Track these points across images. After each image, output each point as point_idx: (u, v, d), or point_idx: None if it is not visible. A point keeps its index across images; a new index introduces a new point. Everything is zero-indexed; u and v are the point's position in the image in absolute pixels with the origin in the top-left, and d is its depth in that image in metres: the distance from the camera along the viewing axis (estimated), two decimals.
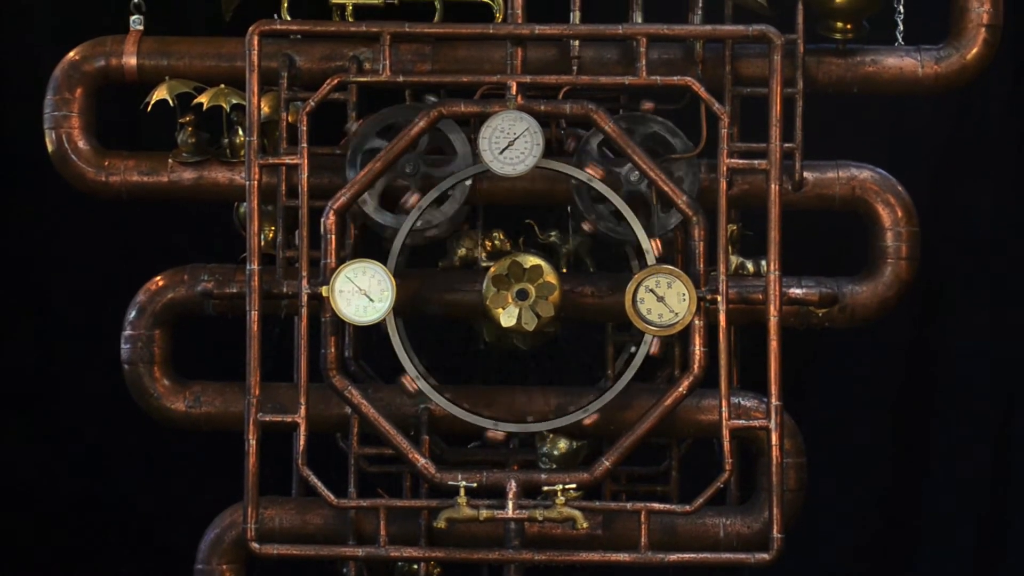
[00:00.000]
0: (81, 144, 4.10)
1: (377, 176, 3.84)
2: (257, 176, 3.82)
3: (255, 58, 3.81)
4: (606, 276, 4.07)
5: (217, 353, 4.25)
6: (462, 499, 3.77)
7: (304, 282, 3.80)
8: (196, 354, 4.23)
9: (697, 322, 3.79)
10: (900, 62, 4.09)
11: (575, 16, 4.03)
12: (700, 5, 4.03)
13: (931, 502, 4.91)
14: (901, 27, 4.14)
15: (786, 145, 3.94)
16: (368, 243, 4.07)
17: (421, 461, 3.84)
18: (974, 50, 4.07)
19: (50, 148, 4.11)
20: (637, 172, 3.92)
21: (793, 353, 3.96)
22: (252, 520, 3.84)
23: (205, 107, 4.03)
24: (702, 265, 3.80)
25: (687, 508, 3.85)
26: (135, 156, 4.13)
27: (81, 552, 4.93)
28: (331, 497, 3.86)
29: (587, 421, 3.91)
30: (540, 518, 3.79)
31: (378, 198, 3.95)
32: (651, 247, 3.84)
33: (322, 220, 3.81)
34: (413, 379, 3.87)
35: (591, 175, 3.86)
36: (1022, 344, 4.85)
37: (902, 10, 4.14)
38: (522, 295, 3.87)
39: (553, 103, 3.85)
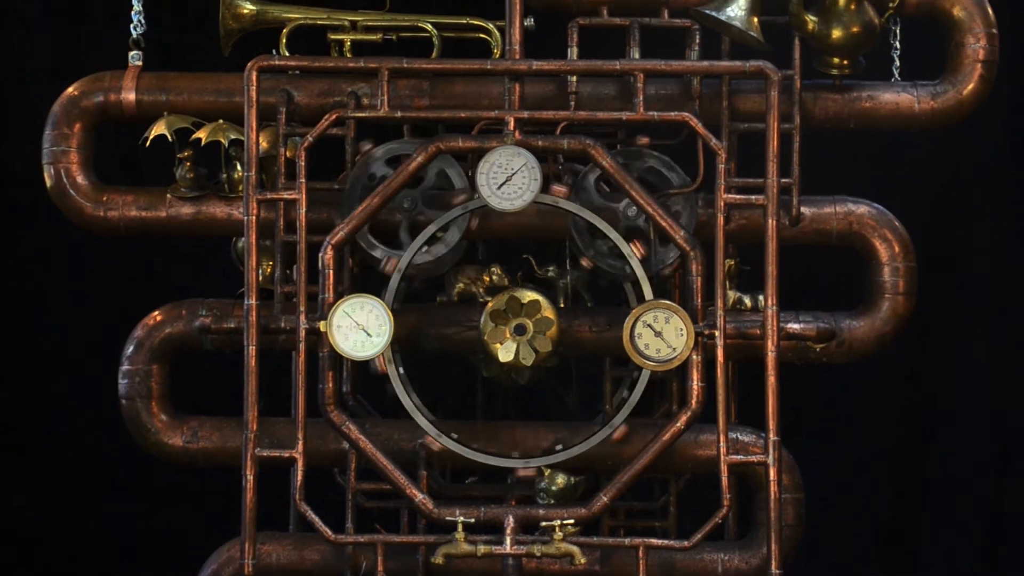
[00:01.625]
0: (80, 179, 4.11)
1: (375, 211, 3.84)
2: (255, 211, 3.83)
3: (253, 93, 3.82)
4: (604, 311, 4.08)
5: (215, 388, 4.25)
6: (460, 535, 3.76)
7: (302, 317, 3.80)
8: (194, 389, 4.23)
9: (695, 357, 3.80)
10: (897, 98, 4.11)
11: (572, 52, 4.04)
12: (697, 41, 4.04)
13: (930, 537, 4.90)
14: (897, 63, 4.16)
15: (783, 180, 3.94)
16: (366, 278, 4.07)
17: (419, 496, 3.83)
18: (970, 86, 4.09)
19: (49, 183, 4.11)
20: (635, 207, 3.93)
21: (791, 388, 3.96)
22: (249, 556, 3.83)
23: (203, 142, 4.04)
24: (700, 300, 3.81)
25: (685, 544, 3.84)
26: (133, 191, 4.13)
27: None
28: (329, 533, 3.85)
29: (588, 454, 3.90)
30: (538, 554, 3.78)
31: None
32: (647, 283, 3.84)
33: (320, 255, 3.81)
34: (435, 438, 3.87)
35: (579, 207, 3.85)
36: (1021, 377, 4.85)
37: (898, 46, 4.15)
38: (520, 330, 3.88)
39: (551, 138, 3.86)
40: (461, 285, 4.08)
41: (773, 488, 3.82)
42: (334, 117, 3.83)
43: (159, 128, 4.05)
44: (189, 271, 4.71)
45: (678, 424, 3.81)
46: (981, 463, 4.88)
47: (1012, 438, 4.87)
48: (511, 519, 3.80)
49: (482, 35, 4.10)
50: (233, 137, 4.03)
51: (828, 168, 4.29)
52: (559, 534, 3.78)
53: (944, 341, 4.90)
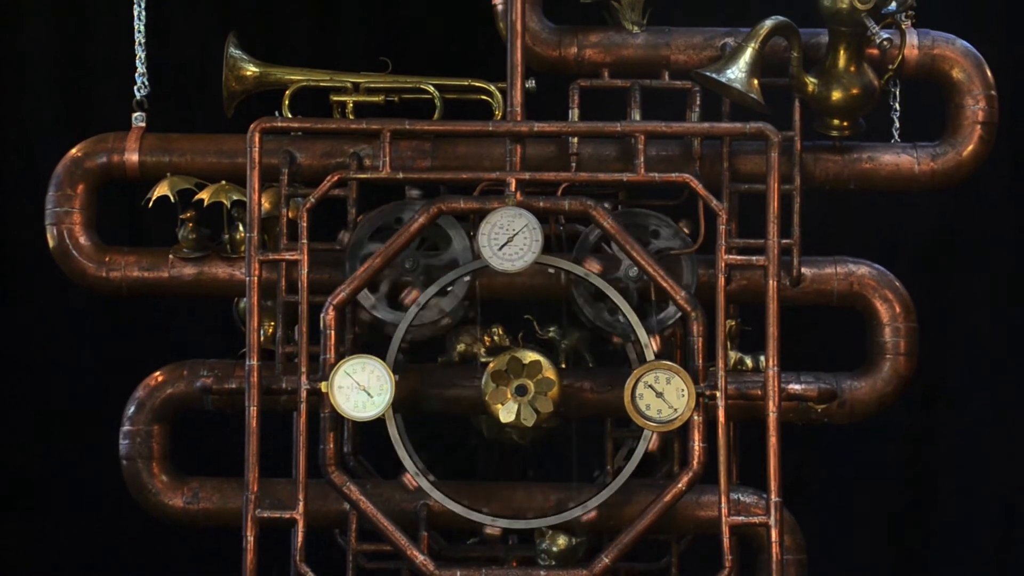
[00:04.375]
0: (82, 240, 4.12)
1: (376, 272, 3.85)
2: (257, 272, 3.83)
3: (256, 155, 3.83)
4: (605, 371, 4.08)
5: (216, 448, 4.24)
6: None
7: (303, 377, 3.80)
8: (195, 449, 4.22)
9: (696, 418, 3.79)
10: (897, 159, 4.12)
11: (574, 113, 4.06)
12: (698, 103, 4.06)
13: None
14: (897, 124, 4.17)
15: (784, 241, 3.95)
16: (368, 338, 4.07)
17: (420, 558, 3.82)
18: (970, 147, 4.10)
19: (51, 244, 4.12)
20: (636, 268, 3.94)
21: (793, 448, 3.95)
22: None
23: (206, 203, 4.05)
24: (701, 361, 3.80)
25: None
26: (136, 252, 4.14)
27: None
28: None
29: (586, 518, 3.90)
30: None
31: (385, 298, 3.97)
32: (650, 343, 3.84)
33: (321, 316, 3.81)
34: (413, 476, 3.86)
35: (588, 271, 3.87)
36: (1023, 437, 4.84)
37: (898, 107, 4.17)
38: (521, 391, 3.87)
39: (552, 199, 3.87)
40: (462, 345, 4.08)
41: (775, 549, 3.80)
42: (336, 178, 3.84)
43: (162, 189, 4.06)
44: (191, 331, 4.71)
45: (680, 485, 3.80)
46: (986, 523, 4.87)
47: (1018, 497, 4.85)
48: None
49: (484, 97, 4.12)
50: (235, 198, 4.04)
51: (829, 229, 4.30)
52: None
53: (947, 400, 4.89)
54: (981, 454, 4.87)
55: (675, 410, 3.79)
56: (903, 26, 4.05)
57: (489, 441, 4.12)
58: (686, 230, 4.00)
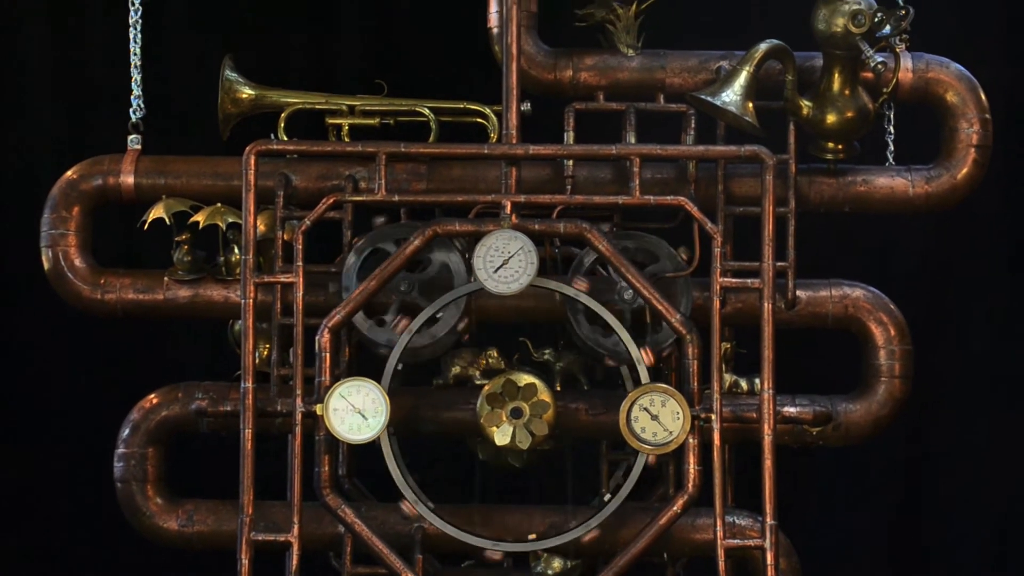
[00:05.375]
0: (77, 262, 4.12)
1: (372, 294, 3.85)
2: (252, 294, 3.83)
3: (252, 177, 3.84)
4: (600, 394, 4.07)
5: (210, 471, 4.23)
6: None
7: (298, 400, 3.80)
8: (189, 472, 4.21)
9: (691, 440, 3.79)
10: (891, 182, 4.13)
11: (569, 136, 4.06)
12: (693, 125, 4.07)
13: None
14: (892, 147, 4.18)
15: (779, 264, 3.96)
16: (363, 360, 4.07)
17: None
18: (964, 170, 4.11)
19: (46, 266, 4.13)
20: (631, 290, 3.94)
21: (788, 471, 3.95)
22: None
23: (201, 225, 4.06)
24: (696, 383, 3.81)
25: None
26: (131, 274, 4.14)
27: None
28: None
29: (587, 537, 3.89)
30: None
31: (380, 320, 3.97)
32: (643, 358, 3.84)
33: (317, 338, 3.81)
34: (412, 504, 3.85)
35: (577, 290, 3.86)
36: (1020, 459, 4.83)
37: (892, 131, 4.18)
38: (516, 413, 3.87)
39: (547, 222, 3.87)
40: (457, 368, 4.08)
41: (771, 572, 3.80)
42: (332, 201, 3.85)
43: (157, 211, 4.06)
44: (186, 354, 4.71)
45: (675, 508, 3.80)
46: (981, 544, 4.86)
47: (1012, 522, 4.85)
48: None
49: (479, 119, 4.13)
50: (231, 220, 4.05)
51: (824, 251, 4.30)
52: None
53: (942, 422, 4.89)
54: (976, 477, 4.86)
55: (670, 433, 3.79)
56: (897, 49, 4.06)
57: (484, 463, 4.12)
58: (683, 256, 4.00)
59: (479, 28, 4.13)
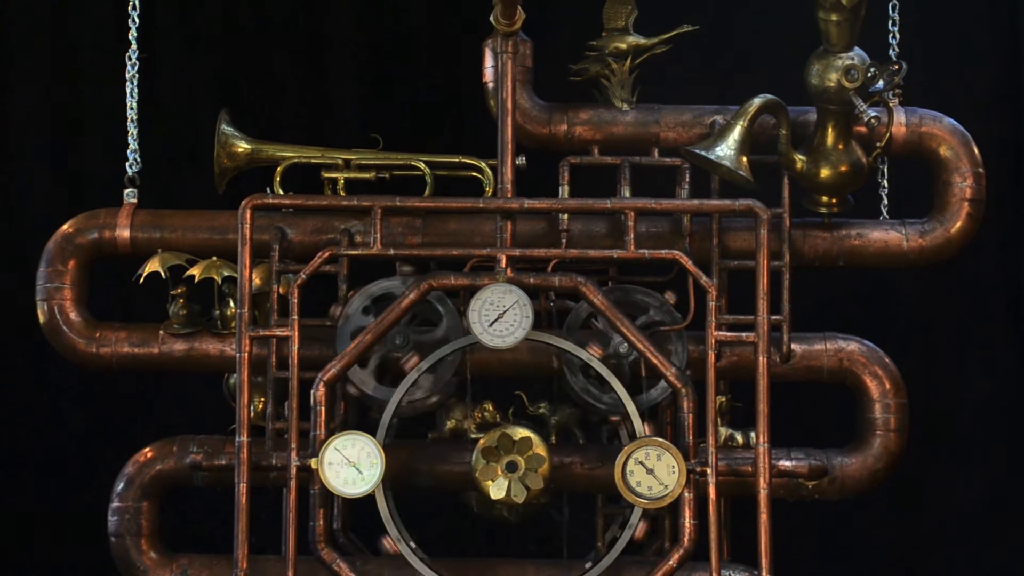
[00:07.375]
0: (73, 316, 4.12)
1: (367, 348, 3.85)
2: (247, 348, 3.83)
3: (247, 231, 3.84)
4: (595, 448, 4.07)
5: (205, 525, 4.22)
6: None
7: (293, 454, 3.80)
8: (183, 526, 4.20)
9: (687, 494, 3.79)
10: (885, 235, 4.14)
11: (564, 190, 4.08)
12: (687, 179, 4.08)
13: None
14: (886, 201, 4.19)
15: (774, 317, 3.96)
16: (358, 414, 4.07)
17: None
18: (958, 224, 4.12)
19: (42, 319, 4.12)
20: (626, 344, 3.94)
21: (784, 524, 3.94)
22: None
23: (197, 279, 4.06)
24: (691, 437, 3.80)
25: None
26: (126, 327, 4.14)
27: None
28: None
29: None
30: None
31: (375, 374, 3.97)
32: (639, 420, 3.84)
33: (312, 392, 3.81)
34: (394, 541, 3.84)
35: (592, 355, 3.86)
36: (1018, 511, 4.82)
37: (886, 184, 4.19)
38: (512, 467, 3.87)
39: (542, 276, 3.88)
40: (453, 422, 4.07)
41: None
42: (327, 255, 3.85)
43: (153, 265, 4.07)
44: (180, 407, 4.70)
45: (670, 562, 3.79)
46: None
47: (1010, 573, 4.84)
48: None
49: (474, 173, 4.14)
50: (226, 274, 4.05)
51: (818, 305, 4.30)
52: None
53: (937, 476, 4.88)
54: (972, 529, 4.85)
55: (666, 487, 3.79)
56: (890, 104, 4.08)
57: (479, 517, 4.11)
58: (671, 300, 4.00)
59: (474, 83, 4.15)
